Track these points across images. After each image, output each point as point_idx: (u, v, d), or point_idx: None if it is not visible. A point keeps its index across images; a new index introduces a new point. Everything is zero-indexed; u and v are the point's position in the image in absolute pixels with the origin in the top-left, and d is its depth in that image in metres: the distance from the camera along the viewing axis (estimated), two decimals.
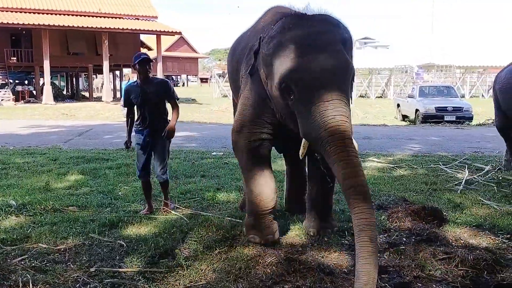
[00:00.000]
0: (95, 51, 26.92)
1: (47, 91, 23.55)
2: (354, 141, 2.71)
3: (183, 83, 55.99)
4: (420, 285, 2.98)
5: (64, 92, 31.07)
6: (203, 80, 58.53)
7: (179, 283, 2.96)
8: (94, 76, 34.14)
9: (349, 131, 2.64)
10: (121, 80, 32.20)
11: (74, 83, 32.60)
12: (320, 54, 2.78)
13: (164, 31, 25.84)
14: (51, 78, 24.97)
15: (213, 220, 4.10)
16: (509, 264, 3.23)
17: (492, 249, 3.50)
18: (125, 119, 4.72)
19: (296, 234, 3.88)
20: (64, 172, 6.27)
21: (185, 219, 4.18)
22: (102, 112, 19.63)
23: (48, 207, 4.58)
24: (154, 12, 28.04)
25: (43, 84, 25.28)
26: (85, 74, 34.16)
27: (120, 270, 3.15)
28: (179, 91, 4.85)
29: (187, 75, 57.12)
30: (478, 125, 14.90)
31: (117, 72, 32.49)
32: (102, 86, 33.44)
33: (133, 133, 4.54)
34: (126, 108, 4.60)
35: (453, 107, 15.35)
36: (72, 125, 13.86)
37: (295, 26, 2.95)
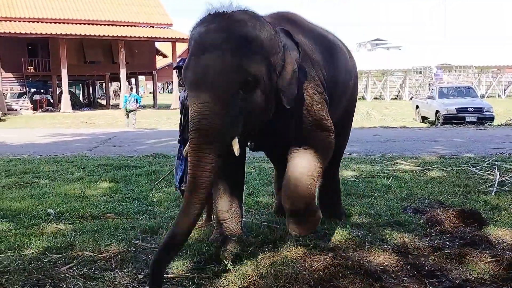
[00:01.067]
0: (111, 59, 27.26)
1: (65, 99, 23.85)
2: (234, 142, 2.83)
3: None
4: None
5: (81, 100, 31.44)
6: None
7: None
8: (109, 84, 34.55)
9: (203, 136, 2.68)
10: (137, 88, 32.54)
11: (91, 91, 32.96)
12: (204, 54, 2.72)
13: (179, 38, 26.04)
14: (68, 87, 25.28)
15: (251, 226, 4.13)
16: None
17: None
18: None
19: (337, 238, 3.87)
20: (95, 179, 6.34)
21: None
22: (121, 119, 19.77)
23: (86, 215, 4.63)
24: (169, 19, 28.31)
25: (61, 92, 25.63)
26: (100, 82, 34.56)
27: (169, 276, 3.18)
28: None
29: None
30: (500, 125, 14.76)
31: (133, 80, 32.78)
32: (114, 93, 33.90)
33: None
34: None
35: (474, 107, 15.24)
36: (93, 133, 14.01)
37: (201, 23, 2.88)
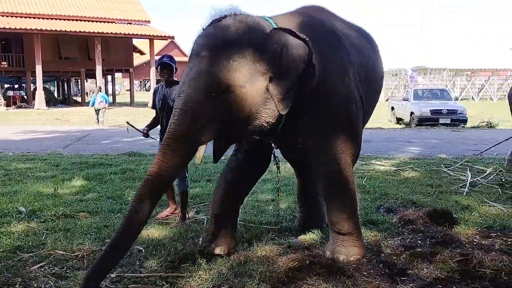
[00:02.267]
0: (87, 55, 26.85)
1: (40, 96, 23.41)
2: (201, 148, 2.85)
3: None
4: (441, 286, 3.01)
5: (56, 97, 30.89)
6: None
7: (202, 286, 2.97)
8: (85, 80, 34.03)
9: (173, 138, 2.74)
10: (113, 85, 32.13)
11: (66, 88, 32.41)
12: (189, 62, 2.88)
13: (157, 36, 25.86)
14: (43, 83, 24.79)
15: None
16: None
17: (506, 250, 3.55)
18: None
19: (311, 237, 3.90)
20: (68, 177, 6.24)
21: (199, 223, 4.18)
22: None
23: (58, 213, 4.55)
24: (147, 16, 28.05)
25: (35, 89, 25.14)
26: (75, 79, 34.00)
27: (142, 275, 3.15)
28: None
29: (177, 80, 56.92)
30: (473, 127, 15.07)
31: (109, 77, 32.34)
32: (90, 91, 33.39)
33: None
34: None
35: (447, 109, 15.51)
36: (67, 130, 13.78)
37: (205, 29, 2.95)
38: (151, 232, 3.99)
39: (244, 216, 4.44)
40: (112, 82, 32.31)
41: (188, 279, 3.08)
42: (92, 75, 27.48)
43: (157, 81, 33.84)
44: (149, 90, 31.75)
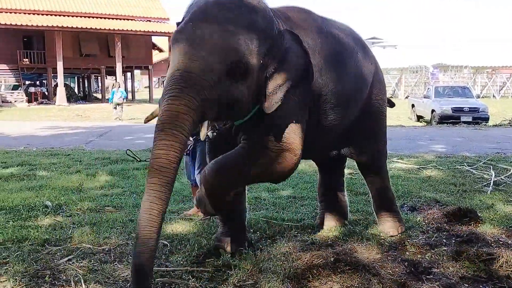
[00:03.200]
0: (107, 52, 27.15)
1: (61, 92, 23.75)
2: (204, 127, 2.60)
3: None
4: (467, 285, 2.99)
5: (76, 93, 31.29)
6: None
7: (227, 282, 2.99)
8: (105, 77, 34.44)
9: (162, 122, 2.39)
10: (133, 82, 32.45)
11: (86, 84, 32.81)
12: (204, 23, 2.54)
13: None
14: (64, 80, 25.15)
15: (250, 221, 4.14)
16: None
17: None
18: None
19: (335, 234, 3.90)
20: (93, 173, 6.34)
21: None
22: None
23: (84, 208, 4.64)
24: (165, 14, 28.22)
25: (56, 85, 25.51)
26: (95, 76, 34.39)
27: (168, 269, 3.19)
28: None
29: None
30: (494, 125, 14.85)
31: (129, 74, 32.65)
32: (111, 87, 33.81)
33: None
34: None
35: (469, 107, 15.30)
36: (89, 126, 13.97)
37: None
38: (175, 227, 4.04)
39: (266, 213, 4.47)
40: (131, 79, 32.60)
41: (213, 274, 3.11)
42: (112, 72, 27.82)
43: None
44: None
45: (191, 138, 4.35)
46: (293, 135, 2.92)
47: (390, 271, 3.19)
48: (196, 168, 4.41)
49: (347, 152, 3.81)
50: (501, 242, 3.70)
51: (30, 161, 7.30)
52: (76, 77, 34.33)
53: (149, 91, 29.46)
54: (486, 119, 15.22)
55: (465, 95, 16.88)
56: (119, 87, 17.68)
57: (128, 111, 20.24)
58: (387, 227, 3.93)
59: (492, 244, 3.63)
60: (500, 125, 14.86)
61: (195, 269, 3.19)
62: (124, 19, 26.50)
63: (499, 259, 3.22)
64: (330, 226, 4.04)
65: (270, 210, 4.61)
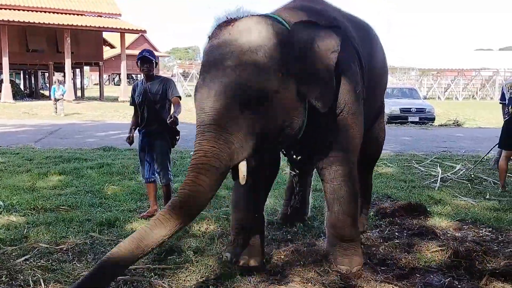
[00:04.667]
0: (56, 48, 26.19)
1: (7, 89, 22.74)
2: (242, 167, 2.54)
3: None
4: (419, 275, 3.16)
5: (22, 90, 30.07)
6: None
7: (190, 279, 3.02)
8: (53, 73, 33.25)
9: (203, 159, 2.43)
10: (82, 79, 31.54)
11: (33, 81, 31.58)
12: (209, 73, 2.55)
13: (129, 29, 25.45)
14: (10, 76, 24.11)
15: (211, 218, 4.18)
16: (496, 255, 3.45)
17: (479, 241, 3.74)
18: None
19: (294, 230, 4.00)
20: (44, 172, 6.15)
21: None
22: (65, 111, 19.13)
23: (38, 207, 4.53)
24: (117, 9, 27.55)
25: (0, 81, 24.41)
26: (41, 72, 33.16)
27: (131, 267, 3.17)
28: None
29: (157, 75, 56.12)
30: (440, 125, 15.51)
31: (78, 70, 31.69)
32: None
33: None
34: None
35: (416, 108, 15.88)
36: (37, 124, 13.48)
37: (213, 36, 2.68)
38: (135, 226, 4.01)
39: (226, 210, 4.51)
40: (80, 75, 31.68)
41: (175, 271, 3.14)
42: (60, 68, 26.87)
43: (128, 75, 33.40)
44: (118, 85, 31.28)
45: (136, 133, 4.34)
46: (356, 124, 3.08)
47: None
48: (157, 167, 4.36)
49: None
50: (449, 235, 3.92)
51: None
52: (22, 73, 32.96)
53: (100, 88, 28.72)
54: (432, 119, 15.87)
55: (412, 96, 17.52)
56: (60, 83, 18.16)
57: (77, 108, 19.72)
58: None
59: (441, 237, 3.84)
60: (445, 125, 15.54)
61: (157, 266, 3.20)
62: (73, 14, 25.65)
63: (448, 251, 3.42)
64: (291, 222, 4.12)
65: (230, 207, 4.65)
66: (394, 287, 2.94)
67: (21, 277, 3.00)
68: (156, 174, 4.41)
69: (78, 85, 30.50)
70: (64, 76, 26.03)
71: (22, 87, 31.51)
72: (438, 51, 41.37)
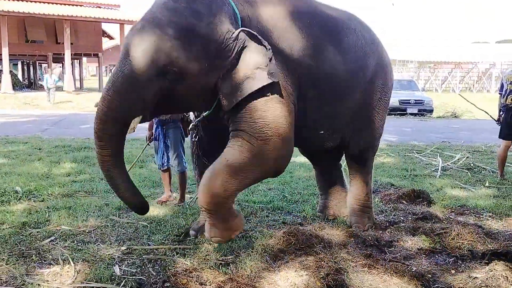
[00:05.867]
0: (55, 39, 26.20)
1: (6, 79, 22.76)
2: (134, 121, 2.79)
3: None
4: (424, 256, 3.35)
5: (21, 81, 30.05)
6: None
7: (209, 257, 3.20)
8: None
9: (107, 107, 2.70)
10: (81, 70, 31.54)
11: (32, 71, 31.55)
12: (142, 29, 2.76)
13: (129, 21, 25.43)
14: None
15: None
16: (497, 237, 3.65)
17: (480, 224, 3.94)
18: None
19: (303, 215, 4.19)
20: (56, 160, 6.32)
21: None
22: (66, 102, 19.22)
23: (55, 193, 4.69)
24: (116, 0, 27.54)
25: (0, 72, 24.41)
26: (39, 63, 33.11)
27: (152, 247, 3.36)
28: None
29: None
30: (438, 117, 15.72)
31: (76, 62, 31.68)
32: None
33: None
34: None
35: (415, 100, 16.08)
36: (41, 114, 13.63)
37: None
38: (152, 210, 4.14)
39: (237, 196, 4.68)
40: (79, 66, 31.68)
41: (195, 250, 3.31)
42: (59, 59, 26.91)
43: None
44: None
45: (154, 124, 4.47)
46: (280, 120, 2.92)
47: (359, 244, 3.51)
48: (172, 155, 4.49)
49: (339, 142, 3.67)
50: (451, 219, 4.12)
51: None
52: (20, 64, 32.88)
53: (99, 79, 28.74)
54: (431, 111, 16.08)
55: (411, 88, 17.70)
56: (53, 73, 19.38)
57: (77, 99, 19.81)
58: (355, 221, 3.84)
59: (444, 221, 4.03)
60: (443, 117, 15.76)
61: (177, 246, 3.38)
62: (72, 5, 25.63)
63: (451, 233, 3.61)
64: (328, 215, 4.12)
65: (240, 194, 4.81)
66: (402, 266, 3.12)
67: (50, 257, 3.17)
68: (171, 162, 4.56)
69: (77, 76, 30.48)
70: (62, 67, 26.06)
71: (20, 77, 31.50)
72: (436, 43, 41.43)
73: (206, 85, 2.85)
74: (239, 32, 2.83)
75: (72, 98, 20.21)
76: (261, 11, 3.08)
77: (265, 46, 2.85)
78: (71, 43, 24.58)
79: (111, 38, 31.00)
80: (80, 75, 31.40)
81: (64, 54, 24.24)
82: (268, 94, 2.89)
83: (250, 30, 2.88)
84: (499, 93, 6.02)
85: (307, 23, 3.19)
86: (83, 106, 17.06)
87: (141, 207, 3.05)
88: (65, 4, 25.24)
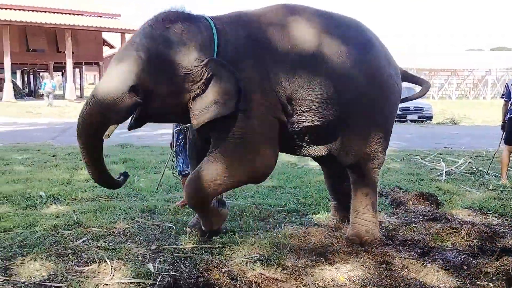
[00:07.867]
0: (56, 48, 26.46)
1: (8, 88, 22.96)
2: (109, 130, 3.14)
3: None
4: (437, 253, 3.56)
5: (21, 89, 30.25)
6: None
7: (236, 256, 3.39)
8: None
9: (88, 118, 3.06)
10: (81, 78, 31.72)
11: (32, 80, 31.75)
12: (123, 49, 3.19)
13: (128, 30, 25.73)
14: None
15: (240, 206, 4.57)
16: (504, 236, 3.86)
17: (488, 224, 4.15)
18: None
19: (318, 216, 4.39)
20: (73, 166, 6.50)
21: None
22: (68, 110, 19.38)
23: (78, 198, 4.87)
24: (117, 9, 27.86)
25: (1, 80, 24.62)
26: (38, 72, 33.33)
27: (180, 246, 3.55)
28: None
29: None
30: (438, 123, 15.99)
31: (77, 70, 31.91)
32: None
33: None
34: None
35: (415, 107, 16.34)
36: (47, 122, 13.80)
37: (150, 19, 3.22)
38: (174, 212, 4.38)
39: (253, 200, 4.89)
40: (80, 75, 31.89)
41: (221, 249, 3.50)
42: (60, 68, 27.16)
43: None
44: None
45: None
46: (252, 135, 3.25)
47: (373, 244, 3.70)
48: (182, 157, 4.66)
49: (336, 152, 3.61)
50: (460, 220, 4.33)
51: (3, 157, 7.31)
52: (20, 73, 33.06)
53: None
54: (430, 118, 16.35)
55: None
56: (52, 79, 21.01)
57: (80, 107, 19.88)
58: (351, 234, 3.70)
59: (453, 221, 4.24)
60: (443, 123, 16.03)
61: (204, 246, 3.57)
62: (73, 14, 25.92)
63: (461, 232, 3.82)
64: (341, 217, 4.18)
65: (256, 197, 5.04)
66: (417, 262, 3.33)
67: (86, 256, 3.35)
68: (186, 167, 4.73)
69: (78, 85, 30.68)
70: (63, 75, 26.27)
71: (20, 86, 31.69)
72: (431, 51, 41.88)
73: (178, 104, 3.17)
74: (208, 61, 3.07)
75: (76, 106, 20.37)
76: (248, 32, 3.26)
77: (234, 75, 3.09)
78: (72, 52, 24.84)
79: (111, 47, 31.25)
80: (81, 84, 31.60)
81: (65, 63, 24.51)
82: (239, 113, 3.18)
83: (219, 60, 3.10)
84: (505, 100, 6.09)
85: (289, 42, 3.28)
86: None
87: (107, 185, 3.69)
88: (66, 14, 25.56)
